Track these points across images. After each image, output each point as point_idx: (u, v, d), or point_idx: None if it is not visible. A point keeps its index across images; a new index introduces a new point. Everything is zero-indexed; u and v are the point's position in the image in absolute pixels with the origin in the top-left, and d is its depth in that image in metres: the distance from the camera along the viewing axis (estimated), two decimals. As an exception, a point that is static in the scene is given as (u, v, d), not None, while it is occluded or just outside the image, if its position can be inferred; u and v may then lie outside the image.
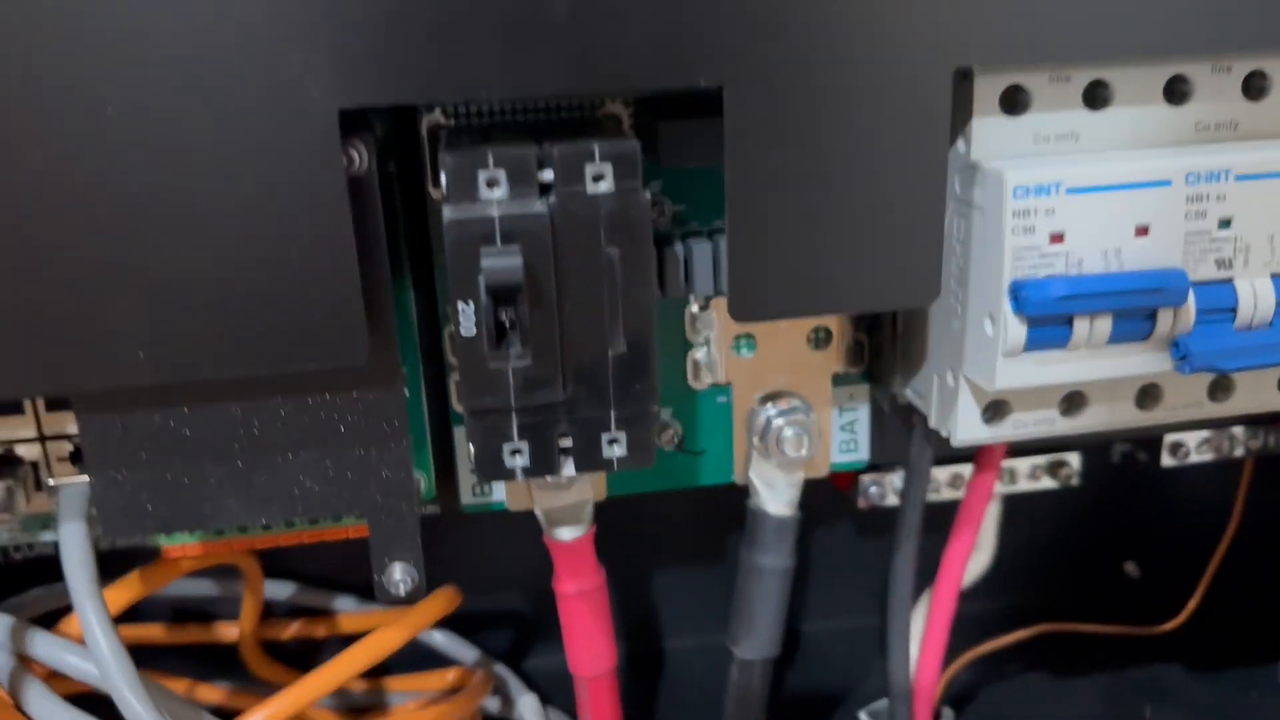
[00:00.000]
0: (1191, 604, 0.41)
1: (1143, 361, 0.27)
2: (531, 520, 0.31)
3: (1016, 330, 0.25)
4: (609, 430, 0.25)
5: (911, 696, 0.35)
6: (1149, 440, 0.39)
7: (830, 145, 0.24)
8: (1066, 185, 0.25)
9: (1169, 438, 0.38)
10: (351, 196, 0.22)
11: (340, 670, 0.29)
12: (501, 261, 0.22)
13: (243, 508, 0.25)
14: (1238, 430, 0.38)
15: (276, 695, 0.28)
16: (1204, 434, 0.38)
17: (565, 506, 0.31)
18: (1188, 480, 0.43)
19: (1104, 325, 0.26)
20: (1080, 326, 0.26)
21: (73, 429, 0.28)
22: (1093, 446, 0.41)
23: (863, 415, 0.34)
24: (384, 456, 0.25)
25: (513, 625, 0.42)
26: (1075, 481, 0.37)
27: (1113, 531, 0.44)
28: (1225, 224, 0.26)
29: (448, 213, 0.23)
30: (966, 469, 0.35)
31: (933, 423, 0.30)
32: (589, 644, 0.32)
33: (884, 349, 0.32)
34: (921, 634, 0.35)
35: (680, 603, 0.42)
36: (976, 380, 0.27)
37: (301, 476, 0.25)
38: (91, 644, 0.25)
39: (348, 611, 0.39)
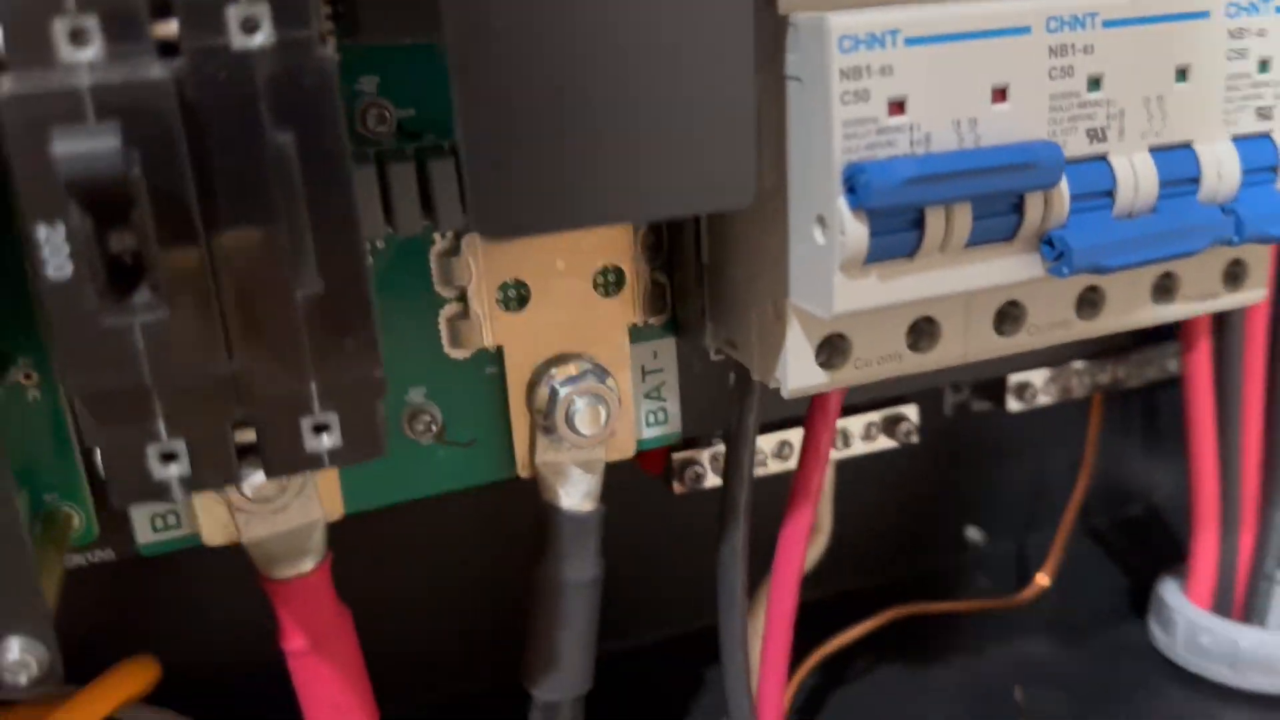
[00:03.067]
0: (1048, 566, 0.37)
1: (1009, 267, 0.21)
2: (242, 557, 0.23)
3: (856, 231, 0.19)
4: (310, 412, 0.18)
5: (755, 714, 0.28)
6: (990, 384, 0.34)
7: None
8: (905, 34, 0.19)
9: (1013, 378, 0.33)
10: None
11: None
12: (85, 145, 0.14)
13: None
14: (1080, 364, 0.34)
15: None
16: (1048, 372, 0.33)
17: (282, 534, 0.23)
18: (1030, 427, 0.39)
19: (963, 219, 0.20)
20: (934, 222, 0.20)
21: None
22: (926, 398, 0.36)
23: (671, 377, 0.27)
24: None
25: (233, 697, 0.32)
26: (914, 438, 0.32)
27: (960, 492, 0.39)
28: (1095, 84, 0.21)
29: (5, 84, 0.15)
30: (795, 435, 0.30)
31: (756, 374, 0.24)
32: (335, 715, 0.24)
33: (689, 290, 0.26)
34: (762, 638, 0.29)
35: (457, 642, 0.34)
36: (808, 307, 0.21)
37: None
38: None
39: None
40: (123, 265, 0.16)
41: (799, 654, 0.33)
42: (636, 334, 0.26)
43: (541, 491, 0.26)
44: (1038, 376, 0.33)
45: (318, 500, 0.23)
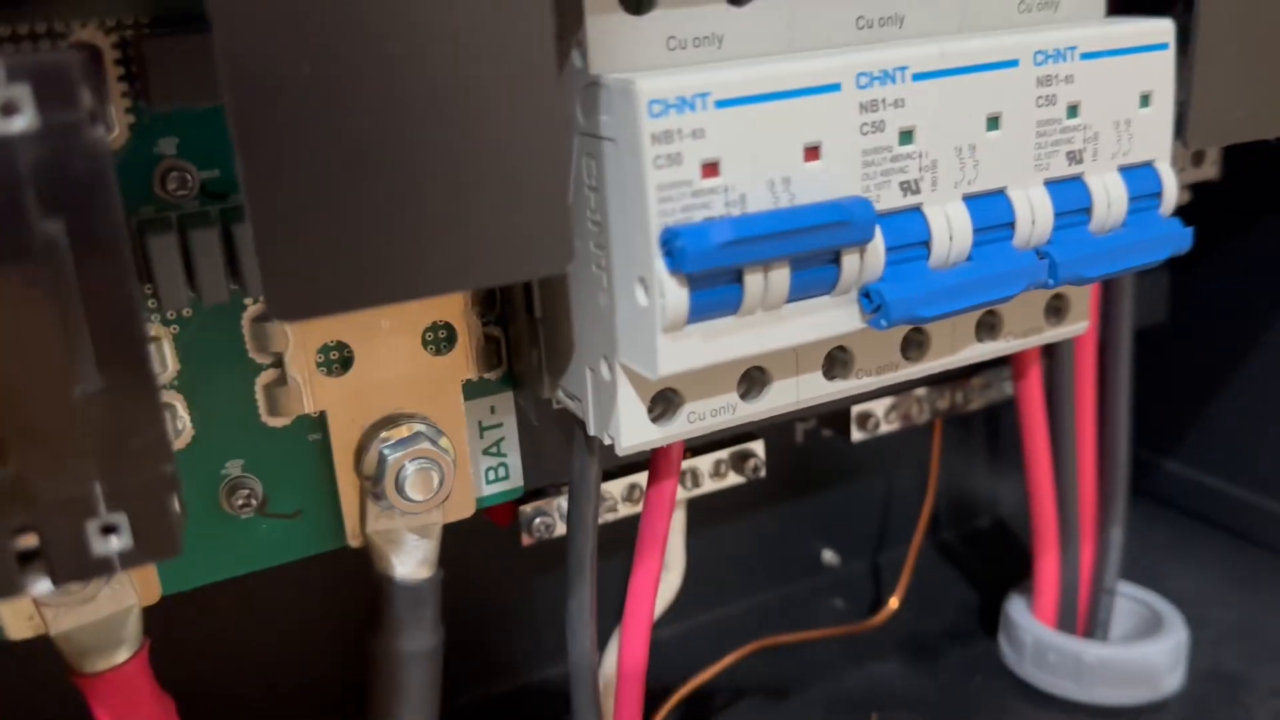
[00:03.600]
0: (899, 590, 0.37)
1: (830, 320, 0.21)
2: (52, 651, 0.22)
3: (676, 294, 0.19)
4: (96, 514, 0.16)
5: (612, 771, 0.28)
6: (835, 415, 0.34)
7: (380, 62, 0.17)
8: (715, 96, 0.19)
9: (856, 409, 0.34)
10: None
11: None
12: None
13: None
14: (921, 392, 0.35)
15: None
16: (889, 401, 0.34)
17: (93, 625, 0.22)
18: (878, 451, 0.39)
19: (781, 278, 0.20)
20: (753, 282, 0.20)
21: None
22: (775, 429, 0.36)
23: (510, 431, 0.27)
24: None
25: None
26: (763, 472, 0.32)
27: (809, 520, 0.40)
28: (907, 137, 0.21)
29: None
30: (644, 478, 0.29)
31: (592, 429, 0.23)
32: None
33: (523, 344, 0.25)
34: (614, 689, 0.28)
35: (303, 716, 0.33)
36: (635, 367, 0.21)
37: None
38: None
39: None
40: None
41: (658, 696, 0.33)
42: (471, 389, 0.25)
43: (374, 561, 0.25)
44: (880, 406, 0.34)
45: (131, 585, 0.22)
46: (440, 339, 0.24)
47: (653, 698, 0.30)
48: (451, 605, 0.26)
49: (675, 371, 0.20)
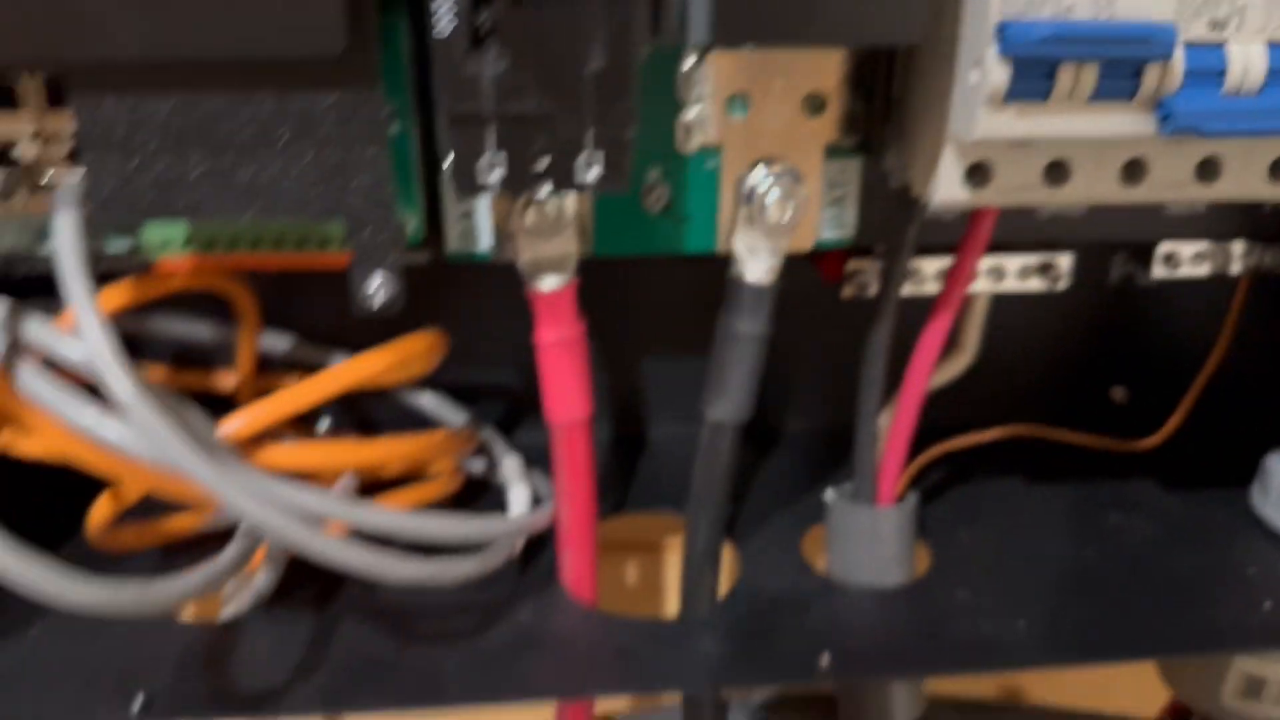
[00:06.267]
0: (1172, 423, 0.42)
1: (1126, 121, 0.27)
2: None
3: (999, 73, 0.25)
4: (585, 150, 0.26)
5: (877, 474, 0.36)
6: (1142, 250, 0.38)
7: None
8: (1063, -78, 0.24)
9: (1162, 248, 0.38)
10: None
11: (321, 386, 0.31)
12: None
13: (225, 201, 0.26)
14: (1235, 246, 0.38)
15: (254, 403, 0.30)
16: (1199, 246, 0.38)
17: (548, 258, 0.32)
18: (1181, 299, 0.43)
19: (1089, 76, 0.26)
20: (1064, 76, 0.25)
21: (70, 127, 0.29)
22: (1087, 250, 0.41)
23: (852, 192, 0.34)
24: (363, 161, 0.26)
25: (504, 397, 0.43)
26: (1063, 285, 0.37)
27: (1101, 346, 0.44)
28: (1224, -21, 0.25)
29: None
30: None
31: (915, 189, 0.30)
32: (565, 393, 0.33)
33: (878, 118, 0.32)
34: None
35: (668, 386, 0.43)
36: (958, 131, 0.27)
37: (281, 175, 0.26)
38: (80, 319, 0.26)
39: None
40: (480, 29, 0.24)
41: (927, 446, 0.40)
42: (831, 152, 0.33)
43: (733, 264, 0.33)
44: (1187, 250, 0.38)
45: (574, 237, 0.32)
46: (815, 105, 0.32)
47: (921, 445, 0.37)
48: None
49: (989, 136, 0.26)
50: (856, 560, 0.37)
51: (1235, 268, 0.38)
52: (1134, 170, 0.29)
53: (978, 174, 0.29)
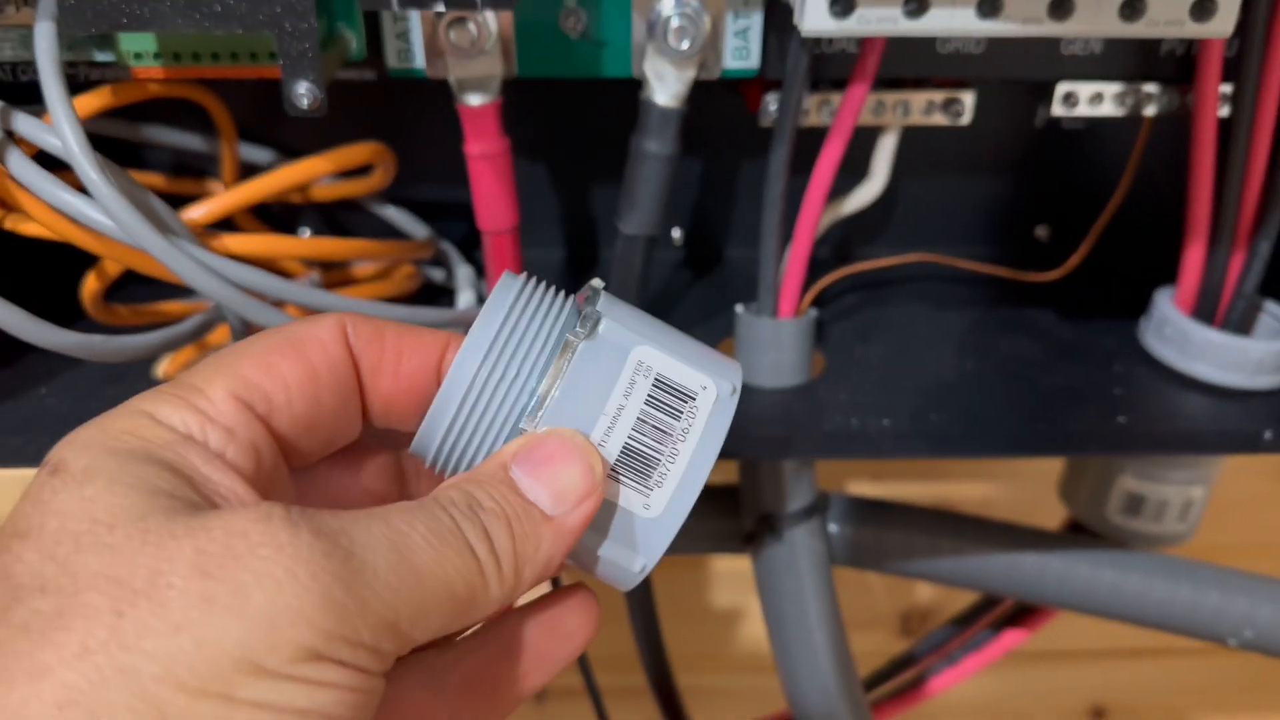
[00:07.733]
0: (1075, 258, 0.45)
1: (966, -44, 0.29)
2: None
3: (839, -91, 0.28)
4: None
5: (778, 290, 0.40)
6: (1043, 89, 0.41)
7: None
8: None
9: (1061, 87, 0.40)
10: None
11: (271, 182, 0.36)
12: None
13: (172, 14, 0.30)
14: (1144, 89, 0.40)
15: (216, 195, 0.35)
16: (1098, 87, 0.40)
17: (475, 77, 0.36)
18: (1094, 140, 0.46)
19: (922, -87, 0.28)
20: (900, -88, 0.28)
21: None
22: (991, 89, 0.43)
23: (756, 23, 0.37)
24: (284, -22, 0.30)
25: (463, 217, 0.47)
26: (965, 119, 0.40)
27: (1019, 184, 0.47)
28: None
29: None
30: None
31: (794, 19, 0.33)
32: (492, 203, 0.38)
33: (771, -44, 0.35)
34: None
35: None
36: (815, -37, 0.30)
37: (219, -8, 0.30)
38: (54, 114, 0.31)
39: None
40: None
41: (835, 267, 0.44)
42: (735, -12, 0.36)
43: (643, 89, 0.37)
44: (1085, 90, 0.40)
45: (499, 59, 0.36)
46: (720, -58, 0.35)
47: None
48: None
49: (836, -31, 0.29)
50: (758, 365, 0.41)
51: (1147, 110, 0.40)
52: (989, 4, 0.32)
53: (840, 4, 0.32)
